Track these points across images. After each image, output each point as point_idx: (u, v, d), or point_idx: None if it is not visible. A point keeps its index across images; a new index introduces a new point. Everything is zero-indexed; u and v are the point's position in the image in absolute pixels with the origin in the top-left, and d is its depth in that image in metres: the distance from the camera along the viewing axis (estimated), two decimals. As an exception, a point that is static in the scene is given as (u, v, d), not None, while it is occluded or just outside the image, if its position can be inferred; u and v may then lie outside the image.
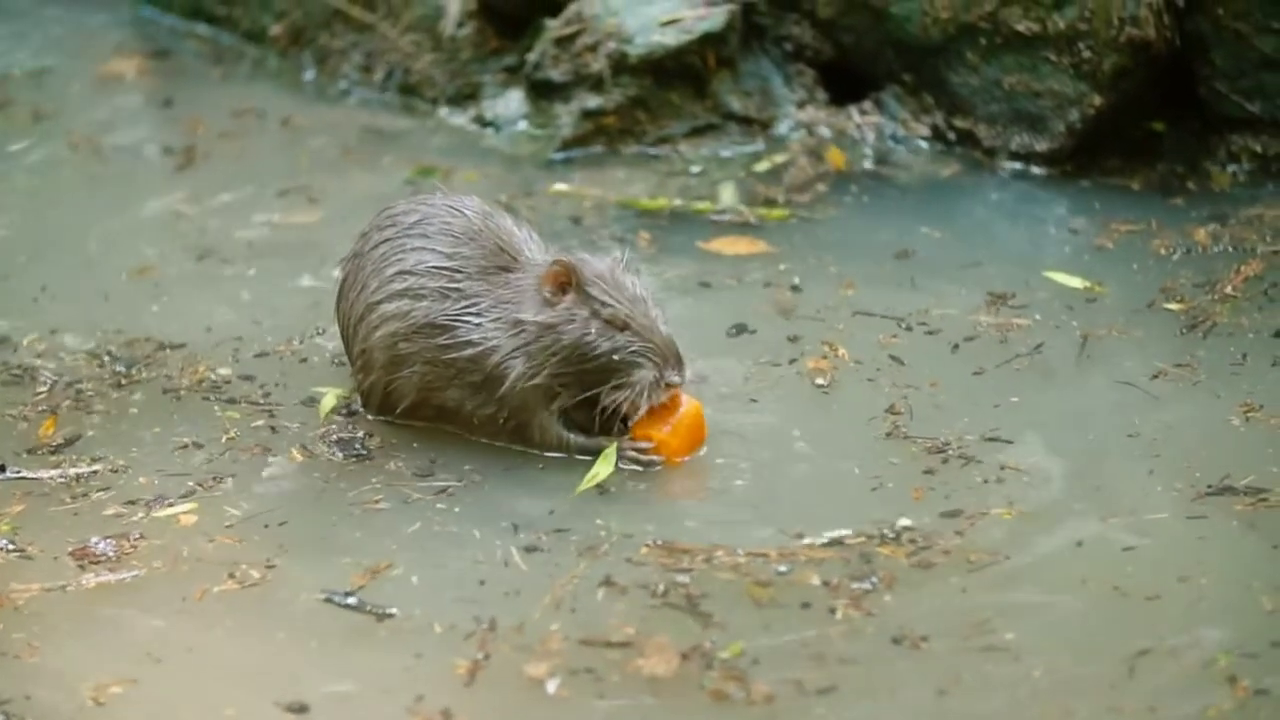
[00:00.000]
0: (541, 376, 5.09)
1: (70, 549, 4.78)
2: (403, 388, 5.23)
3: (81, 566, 4.71)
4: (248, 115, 7.81)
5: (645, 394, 5.07)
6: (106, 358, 5.80)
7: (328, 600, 4.58)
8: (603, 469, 5.11)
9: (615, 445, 5.14)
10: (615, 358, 5.06)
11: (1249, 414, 5.29)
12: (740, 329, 5.89)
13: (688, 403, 5.17)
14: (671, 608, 4.50)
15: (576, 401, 5.13)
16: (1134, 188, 6.92)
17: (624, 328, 5.07)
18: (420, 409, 5.26)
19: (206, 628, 4.48)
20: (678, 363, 5.11)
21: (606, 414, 5.12)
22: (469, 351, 5.12)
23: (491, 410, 5.17)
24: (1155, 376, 5.53)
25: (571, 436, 5.18)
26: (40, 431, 5.38)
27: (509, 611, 4.50)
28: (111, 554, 4.76)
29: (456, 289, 5.15)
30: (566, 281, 5.09)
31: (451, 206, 5.26)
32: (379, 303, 5.20)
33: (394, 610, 4.52)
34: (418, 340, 5.16)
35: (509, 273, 5.17)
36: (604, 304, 5.08)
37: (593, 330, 5.07)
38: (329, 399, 5.47)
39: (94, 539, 4.81)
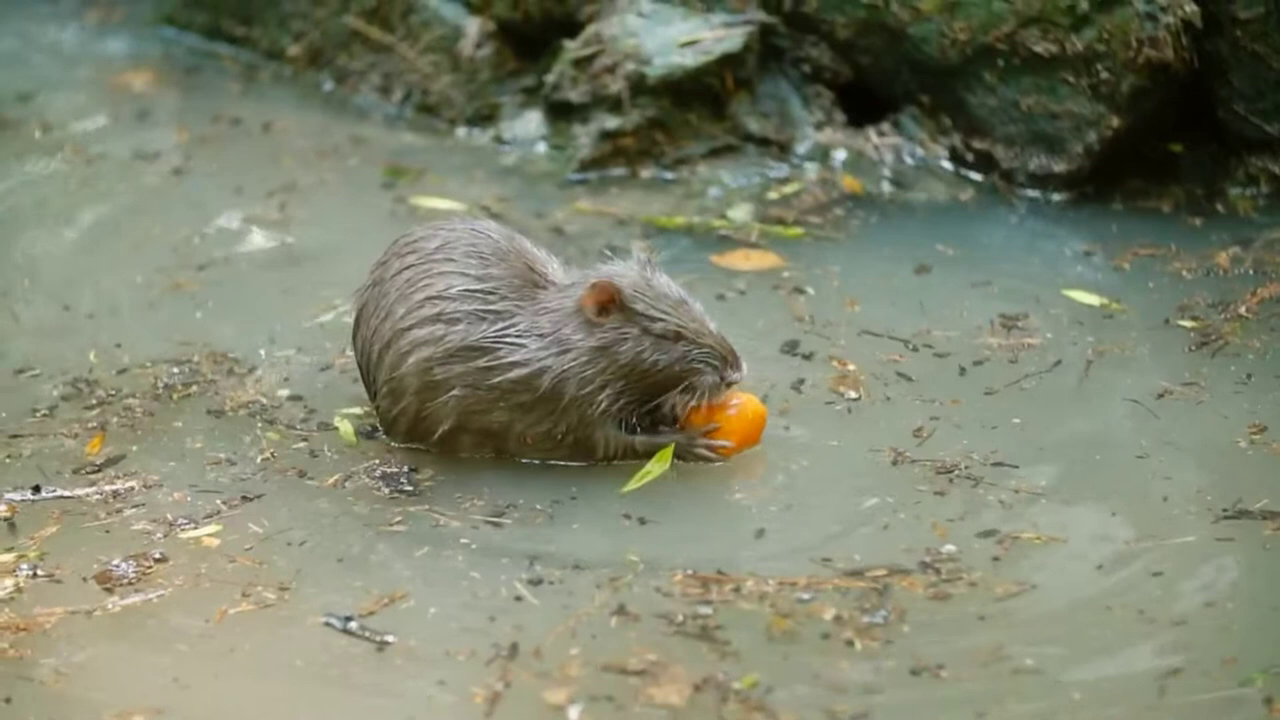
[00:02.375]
0: (602, 396, 5.08)
1: (93, 573, 4.77)
2: (438, 413, 5.17)
3: (107, 589, 4.70)
4: (257, 130, 7.85)
5: (708, 396, 5.11)
6: (170, 370, 5.82)
7: (327, 624, 4.56)
8: (656, 467, 5.13)
9: (672, 446, 5.15)
10: (675, 369, 5.08)
11: (1254, 436, 5.29)
12: (784, 348, 5.89)
13: (744, 397, 5.21)
14: (688, 636, 4.48)
15: (637, 409, 5.14)
16: (1152, 209, 6.92)
17: (677, 338, 5.08)
18: (458, 435, 5.20)
19: (227, 652, 4.46)
20: (735, 360, 5.13)
21: (664, 415, 5.16)
22: (515, 373, 5.09)
23: (547, 427, 5.15)
24: (1161, 396, 5.53)
25: (636, 440, 5.17)
26: (86, 449, 5.39)
27: (529, 639, 4.48)
28: (132, 576, 4.75)
29: (492, 311, 5.11)
30: (609, 301, 5.07)
31: (473, 229, 5.24)
32: (409, 329, 5.14)
33: (391, 638, 4.49)
34: (454, 365, 5.12)
35: (541, 290, 5.15)
36: (652, 318, 5.08)
37: (646, 347, 5.07)
38: (345, 426, 5.45)
39: (115, 562, 4.80)
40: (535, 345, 5.09)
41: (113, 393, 5.70)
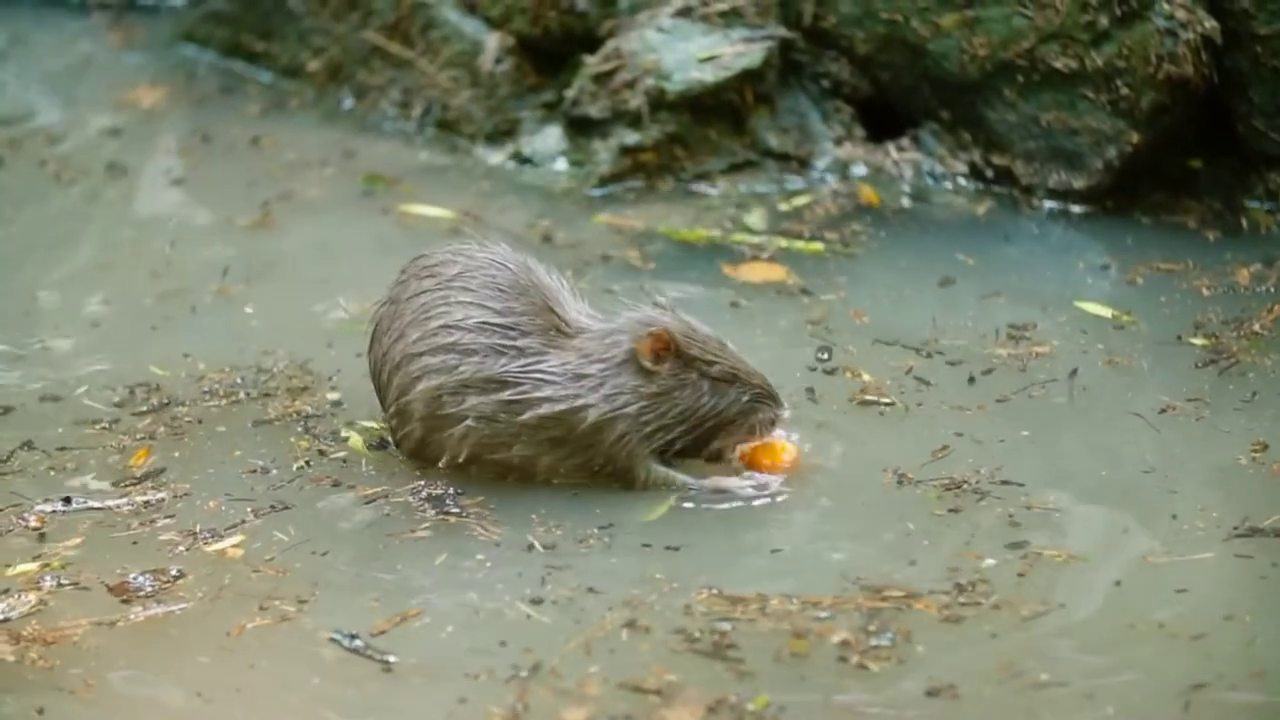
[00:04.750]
0: (656, 439, 5.11)
1: (110, 585, 4.77)
2: (445, 443, 5.14)
3: (125, 602, 4.71)
4: (270, 144, 7.88)
5: (759, 434, 5.17)
6: (236, 378, 5.87)
7: (333, 641, 4.54)
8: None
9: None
10: (731, 411, 5.12)
11: (1256, 455, 5.28)
12: (800, 362, 5.88)
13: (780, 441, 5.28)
14: (704, 656, 4.46)
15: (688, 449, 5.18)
16: (1172, 224, 6.92)
17: (733, 379, 5.12)
18: (470, 465, 5.17)
19: (247, 668, 4.46)
20: (778, 397, 5.19)
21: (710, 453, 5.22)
22: (546, 409, 5.06)
23: (581, 460, 5.14)
24: (1163, 411, 5.53)
25: (679, 476, 5.19)
26: (131, 461, 5.40)
27: (548, 657, 4.46)
28: (149, 589, 4.76)
29: (514, 346, 5.07)
30: (665, 348, 5.08)
31: (491, 259, 5.19)
32: (420, 354, 5.12)
33: (392, 657, 4.47)
34: (470, 396, 5.09)
35: (560, 331, 5.12)
36: (709, 362, 5.11)
37: (705, 391, 5.10)
38: (356, 439, 5.44)
39: (133, 574, 4.80)
40: (574, 386, 5.07)
41: (165, 402, 5.73)
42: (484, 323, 5.10)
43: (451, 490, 5.17)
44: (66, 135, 7.97)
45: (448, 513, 5.08)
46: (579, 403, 5.06)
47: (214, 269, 6.69)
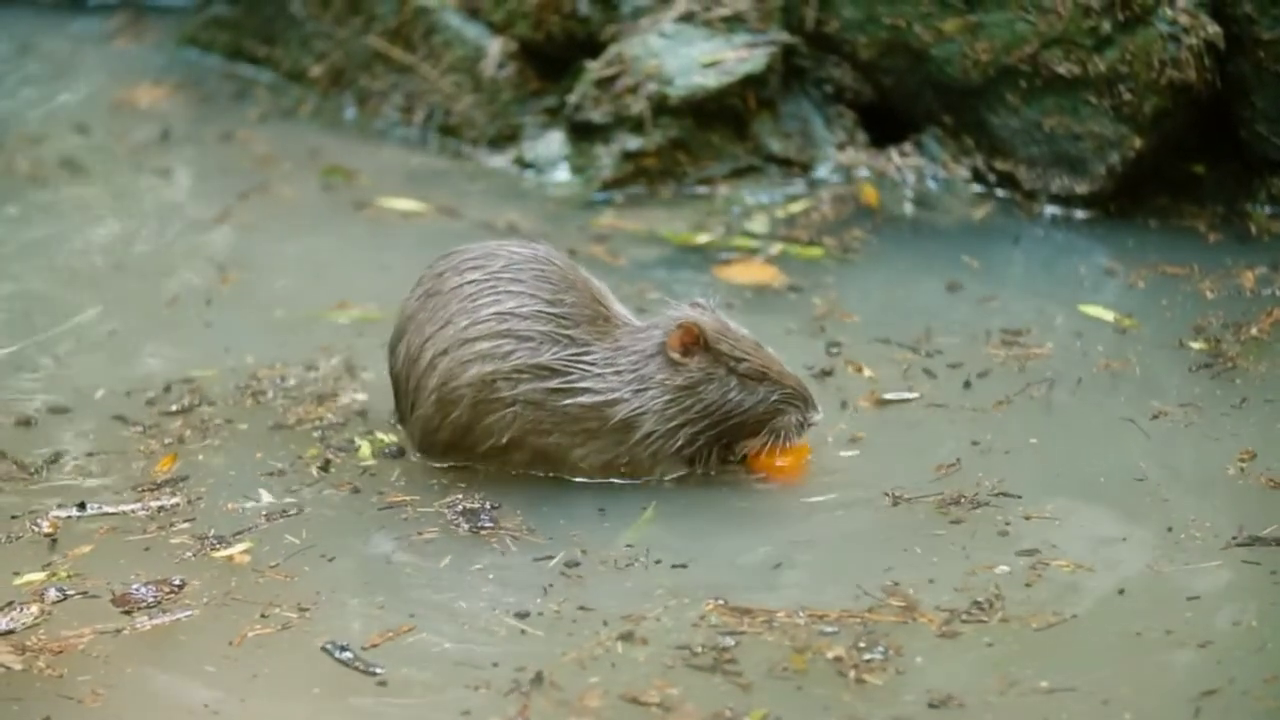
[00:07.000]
0: (680, 436, 5.13)
1: (114, 594, 4.77)
2: (493, 427, 5.15)
3: (126, 612, 4.70)
4: (266, 145, 7.91)
5: (787, 437, 5.17)
6: (288, 375, 5.89)
7: (324, 650, 4.53)
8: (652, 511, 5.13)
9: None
10: (759, 410, 5.14)
11: (1243, 463, 5.28)
12: (804, 368, 5.89)
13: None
14: (704, 670, 4.45)
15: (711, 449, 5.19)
16: (1175, 228, 6.92)
17: (762, 378, 5.14)
18: (510, 451, 5.19)
19: (250, 676, 4.45)
20: (813, 401, 5.21)
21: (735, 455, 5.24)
22: (586, 399, 5.10)
23: (608, 457, 5.17)
24: (1156, 417, 5.53)
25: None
26: (157, 467, 5.39)
27: (550, 670, 4.45)
28: (151, 599, 4.74)
29: (566, 335, 5.10)
30: (693, 341, 5.11)
31: (535, 254, 5.19)
32: (473, 340, 5.12)
33: (380, 669, 4.45)
34: (521, 382, 5.11)
35: (609, 323, 5.16)
36: (738, 359, 5.13)
37: (733, 387, 5.12)
38: (365, 447, 5.44)
39: (135, 585, 4.79)
40: (612, 378, 5.11)
41: (195, 402, 5.74)
42: (539, 311, 5.12)
43: (487, 505, 5.15)
44: (60, 138, 7.98)
45: (480, 528, 5.06)
46: (612, 396, 5.11)
47: (215, 269, 6.70)
